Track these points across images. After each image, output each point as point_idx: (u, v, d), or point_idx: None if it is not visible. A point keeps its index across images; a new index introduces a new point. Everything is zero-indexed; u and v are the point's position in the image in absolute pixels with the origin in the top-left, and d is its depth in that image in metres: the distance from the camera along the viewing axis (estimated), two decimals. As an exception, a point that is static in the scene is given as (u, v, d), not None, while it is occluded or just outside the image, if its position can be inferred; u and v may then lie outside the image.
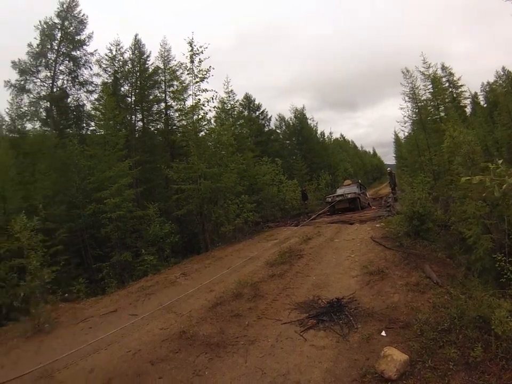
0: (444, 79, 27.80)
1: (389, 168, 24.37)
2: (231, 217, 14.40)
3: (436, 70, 22.49)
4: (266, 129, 31.57)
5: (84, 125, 20.32)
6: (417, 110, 21.38)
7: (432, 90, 21.69)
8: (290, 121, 35.08)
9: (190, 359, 4.55)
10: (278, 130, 35.00)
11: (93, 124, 19.20)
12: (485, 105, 38.76)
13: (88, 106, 20.06)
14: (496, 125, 31.44)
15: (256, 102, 31.22)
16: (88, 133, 19.07)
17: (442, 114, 21.39)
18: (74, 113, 20.15)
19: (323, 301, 5.81)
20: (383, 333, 4.55)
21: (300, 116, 34.67)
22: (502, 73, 35.47)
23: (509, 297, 5.71)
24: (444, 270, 6.85)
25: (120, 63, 21.09)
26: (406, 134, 25.87)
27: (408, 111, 21.56)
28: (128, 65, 21.24)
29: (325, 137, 37.57)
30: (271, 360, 4.31)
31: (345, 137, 67.18)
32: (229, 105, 23.43)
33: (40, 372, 4.67)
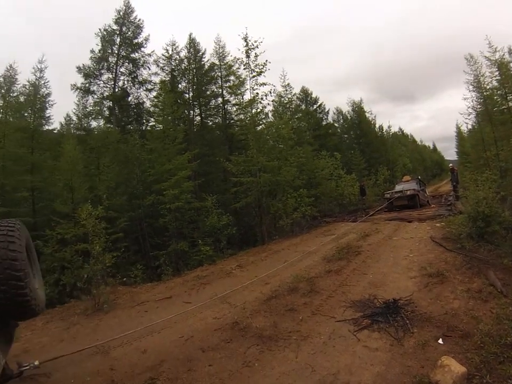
0: None
1: (451, 164, 22.65)
2: (289, 211, 14.43)
3: (503, 55, 19.21)
4: (324, 122, 31.20)
5: (144, 121, 21.74)
6: (482, 100, 19.47)
7: (499, 78, 18.96)
8: (348, 115, 34.45)
9: (241, 350, 4.59)
10: (336, 124, 34.52)
11: (152, 119, 20.41)
12: None
13: (147, 104, 21.41)
14: None
15: (313, 96, 30.84)
16: (148, 128, 20.20)
17: (510, 104, 19.16)
18: (135, 110, 21.60)
19: (379, 301, 5.61)
20: (440, 341, 4.30)
21: (358, 109, 33.81)
22: None
23: None
24: (510, 279, 6.27)
25: (177, 61, 22.20)
26: (470, 127, 24.01)
27: (472, 101, 19.81)
28: (184, 63, 22.25)
29: (384, 131, 36.12)
30: (322, 358, 4.25)
31: (404, 131, 63.65)
32: (286, 99, 23.44)
33: (97, 348, 4.98)
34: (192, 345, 4.90)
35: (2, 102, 15.63)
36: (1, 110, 15.49)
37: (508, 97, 18.95)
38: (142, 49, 21.26)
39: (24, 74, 17.97)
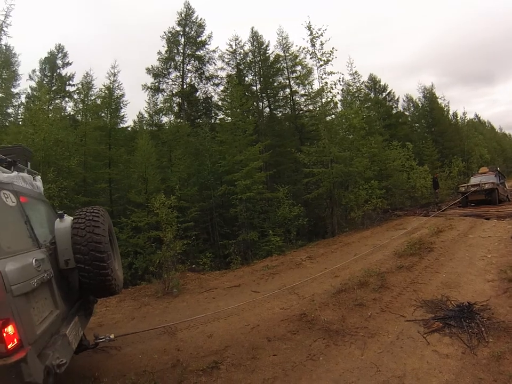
0: None
1: None
2: (360, 203, 14.04)
3: None
4: (394, 111, 29.73)
5: (213, 114, 22.75)
6: None
7: None
8: (419, 102, 32.36)
9: (307, 342, 4.52)
10: (407, 113, 32.76)
11: (221, 113, 21.23)
12: None
13: (215, 98, 22.45)
14: None
15: (382, 83, 29.57)
16: (217, 121, 21.03)
17: None
18: (203, 104, 22.76)
19: (452, 303, 5.14)
20: None
21: (429, 96, 31.59)
22: None
23: None
24: None
25: (241, 55, 22.87)
26: None
27: None
28: (249, 57, 22.81)
29: (458, 118, 33.09)
30: (388, 358, 4.02)
31: (481, 118, 57.91)
32: (355, 88, 22.87)
33: (165, 328, 5.25)
34: (257, 333, 4.94)
35: (82, 105, 17.70)
36: (82, 113, 17.64)
37: None
38: (206, 46, 22.40)
39: (100, 79, 19.98)
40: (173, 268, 8.78)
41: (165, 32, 21.39)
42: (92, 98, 17.94)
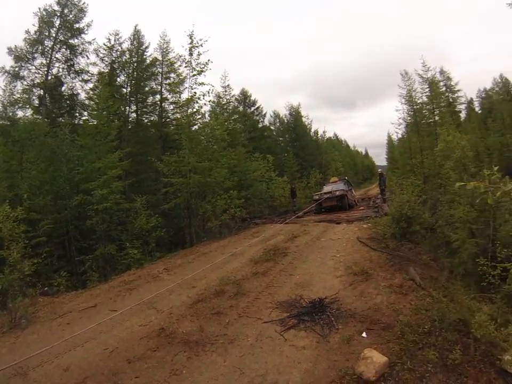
0: (441, 83, 28.23)
1: (380, 169, 24.39)
2: (218, 213, 14.29)
3: (434, 74, 22.93)
4: (260, 125, 31.67)
5: (77, 114, 20.17)
6: (412, 113, 21.64)
7: (429, 94, 21.85)
8: (285, 118, 35.37)
9: (168, 358, 4.48)
10: (272, 127, 35.36)
11: (86, 113, 19.06)
12: (480, 112, 39.62)
13: (83, 96, 19.96)
14: (489, 132, 32.03)
15: (252, 98, 31.50)
16: (81, 122, 18.80)
17: (437, 118, 21.56)
18: (68, 102, 20.01)
19: (305, 301, 5.75)
20: (364, 334, 4.51)
21: (295, 113, 34.93)
22: (500, 80, 36.55)
23: (489, 301, 5.80)
24: (428, 273, 6.85)
25: (118, 53, 21.03)
26: (400, 136, 26.29)
27: (403, 113, 21.90)
28: (126, 56, 21.16)
29: (318, 135, 37.74)
30: (250, 360, 4.26)
31: (339, 137, 67.81)
32: (225, 100, 23.50)
33: (14, 369, 4.52)
34: (117, 356, 4.69)
35: None
36: None
37: (435, 112, 21.66)
38: (83, 35, 19.77)
39: None
40: (20, 294, 7.54)
41: (39, 9, 18.15)
42: None
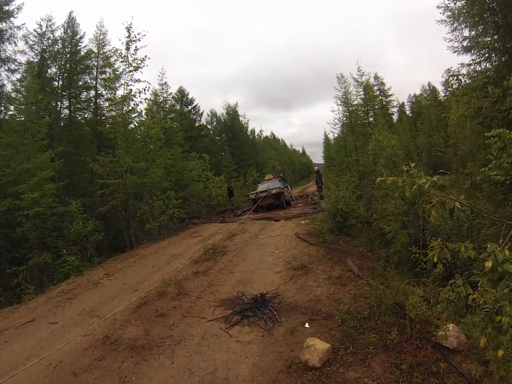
0: (376, 88, 30.86)
1: (316, 167, 25.46)
2: (156, 214, 14.06)
3: (369, 78, 25.32)
4: (197, 124, 31.30)
5: (2, 108, 18.16)
6: (348, 114, 23.24)
7: (363, 97, 23.99)
8: (222, 118, 35.37)
9: (115, 366, 4.39)
10: (209, 126, 35.14)
11: (12, 108, 17.26)
12: (410, 115, 44.12)
13: (9, 88, 17.88)
14: (418, 133, 35.51)
15: (190, 96, 31.00)
16: (6, 117, 17.04)
17: (371, 119, 23.95)
18: (-8, 94, 17.95)
19: (247, 297, 5.93)
20: (307, 325, 4.77)
21: (232, 113, 35.18)
22: (427, 87, 40.75)
23: (423, 285, 6.49)
24: (365, 263, 7.36)
25: (50, 41, 19.24)
26: (336, 135, 27.90)
27: (339, 114, 23.46)
28: (58, 45, 19.47)
29: (255, 134, 38.67)
30: (198, 359, 4.31)
31: (276, 136, 68.82)
32: (162, 98, 23.12)
33: None
34: (62, 371, 4.51)
35: None
36: None
37: (369, 114, 24.04)
38: (12, 19, 17.43)
39: None
40: None
41: None
42: None
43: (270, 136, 62.33)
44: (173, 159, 17.67)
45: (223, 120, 35.13)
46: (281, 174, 21.99)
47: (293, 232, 10.24)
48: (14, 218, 12.10)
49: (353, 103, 23.35)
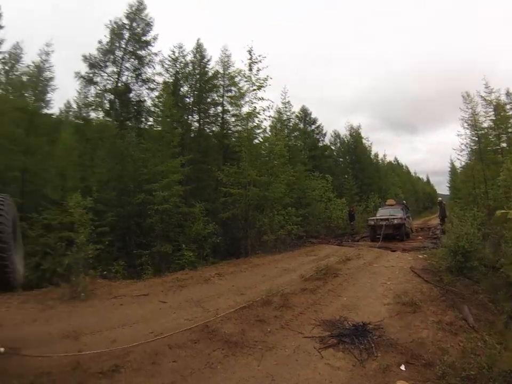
0: (508, 107, 24.89)
1: (439, 198, 22.80)
2: (275, 227, 14.49)
3: (499, 96, 20.43)
4: (320, 144, 31.34)
5: (143, 119, 21.65)
6: (476, 138, 19.83)
7: (494, 118, 19.85)
8: (345, 139, 34.65)
9: (206, 351, 4.67)
10: (332, 147, 34.71)
11: (151, 119, 20.43)
12: None
13: (149, 103, 21.33)
14: None
15: (313, 116, 31.23)
16: (146, 127, 20.23)
17: (504, 145, 19.68)
18: (135, 107, 21.53)
19: (348, 323, 5.69)
20: (402, 367, 4.35)
21: (355, 135, 34.24)
22: None
23: None
24: (483, 315, 6.36)
25: (182, 64, 22.26)
26: (463, 163, 24.13)
27: (466, 138, 20.04)
28: (189, 67, 22.33)
29: (379, 158, 37.04)
30: (284, 370, 4.30)
31: (399, 161, 64.17)
32: (285, 116, 23.68)
33: (68, 331, 5.07)
34: (160, 341, 4.97)
35: (5, 78, 15.70)
36: (2, 87, 15.54)
37: (502, 138, 19.69)
38: (149, 47, 21.31)
39: (31, 55, 17.50)
40: (82, 271, 8.27)
41: (110, 21, 20.05)
42: (17, 73, 15.98)
43: (394, 161, 58.67)
44: (296, 176, 18.06)
45: (346, 141, 34.58)
46: (404, 202, 20.53)
47: (408, 266, 9.60)
48: (145, 210, 13.87)
49: (483, 126, 19.72)
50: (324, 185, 20.94)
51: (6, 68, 16.05)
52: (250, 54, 14.80)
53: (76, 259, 8.34)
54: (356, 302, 6.77)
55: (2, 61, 16.94)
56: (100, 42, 19.83)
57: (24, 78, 15.86)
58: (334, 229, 20.94)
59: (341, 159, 34.32)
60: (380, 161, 37.68)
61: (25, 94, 15.55)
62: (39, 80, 15.93)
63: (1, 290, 3.65)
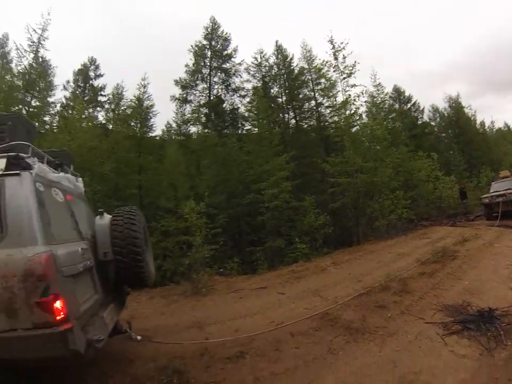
0: None
1: None
2: (385, 212, 14.17)
3: None
4: (419, 122, 29.38)
5: (239, 125, 23.26)
6: None
7: None
8: (445, 112, 31.71)
9: (328, 338, 4.74)
10: (432, 123, 32.07)
11: (247, 124, 21.80)
12: None
13: (242, 109, 22.90)
14: None
15: (406, 94, 29.42)
16: (244, 132, 21.76)
17: None
18: (230, 115, 23.27)
19: (473, 308, 5.21)
20: None
21: (455, 105, 31.07)
22: None
23: None
24: None
25: (267, 68, 23.43)
26: None
27: None
28: (274, 69, 23.34)
29: (486, 127, 32.83)
30: (405, 356, 4.17)
31: (511, 127, 55.70)
32: (379, 99, 22.77)
33: (193, 322, 5.59)
34: (281, 329, 5.19)
35: (113, 114, 18.93)
36: (113, 121, 18.79)
37: None
38: (232, 59, 23.07)
39: (131, 90, 21.00)
40: (201, 269, 9.19)
41: (192, 46, 22.36)
42: (123, 108, 18.99)
43: (504, 127, 51.46)
44: (400, 158, 17.52)
45: (446, 115, 31.73)
46: None
47: (537, 246, 8.38)
48: (254, 209, 14.89)
49: None
50: (429, 164, 19.51)
51: (113, 105, 19.54)
52: (332, 44, 14.85)
53: (195, 259, 9.35)
54: (478, 286, 6.18)
55: (108, 101, 21.30)
56: (186, 65, 22.38)
57: (129, 111, 18.68)
58: (445, 209, 19.35)
59: (443, 134, 31.58)
60: (488, 129, 33.42)
61: (132, 124, 18.30)
62: (141, 110, 18.49)
63: (138, 287, 4.43)
